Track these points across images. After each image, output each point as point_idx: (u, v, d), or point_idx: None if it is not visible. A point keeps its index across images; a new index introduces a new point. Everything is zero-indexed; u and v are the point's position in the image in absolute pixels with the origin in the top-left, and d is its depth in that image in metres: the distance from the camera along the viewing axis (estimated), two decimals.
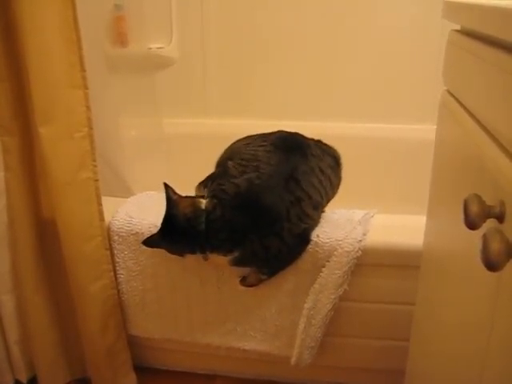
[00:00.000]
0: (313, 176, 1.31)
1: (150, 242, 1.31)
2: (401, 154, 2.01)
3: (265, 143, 1.40)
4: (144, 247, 1.36)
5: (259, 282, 1.34)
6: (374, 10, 2.03)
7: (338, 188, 1.43)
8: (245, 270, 1.33)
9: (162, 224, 1.28)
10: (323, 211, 1.38)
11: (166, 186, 1.28)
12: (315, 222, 1.33)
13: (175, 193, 1.28)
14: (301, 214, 1.26)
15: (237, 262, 1.25)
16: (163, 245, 1.30)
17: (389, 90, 2.08)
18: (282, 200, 1.23)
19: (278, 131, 1.47)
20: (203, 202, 1.25)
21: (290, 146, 1.37)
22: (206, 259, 1.27)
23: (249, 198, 1.23)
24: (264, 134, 1.48)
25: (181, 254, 1.30)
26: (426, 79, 1.93)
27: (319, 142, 1.46)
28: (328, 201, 1.38)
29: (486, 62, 0.66)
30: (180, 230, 1.25)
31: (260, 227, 1.22)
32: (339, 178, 1.44)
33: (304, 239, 1.30)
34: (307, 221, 1.28)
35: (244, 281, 1.35)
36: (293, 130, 1.46)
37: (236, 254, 1.23)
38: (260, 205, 1.22)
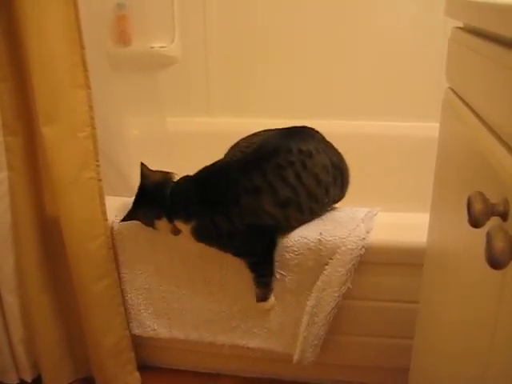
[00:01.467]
0: (289, 171, 1.27)
1: (126, 216, 1.38)
2: (404, 152, 2.01)
3: (274, 130, 1.41)
4: (149, 246, 1.36)
5: (264, 292, 1.35)
6: (377, 7, 2.03)
7: (337, 189, 1.40)
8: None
9: (135, 196, 1.37)
10: (317, 214, 1.36)
11: (142, 164, 1.39)
12: (280, 222, 1.30)
13: (150, 170, 1.39)
14: (255, 206, 1.26)
15: (194, 232, 1.30)
16: (137, 215, 1.37)
17: (392, 88, 2.08)
18: (236, 183, 1.28)
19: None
20: (176, 177, 1.36)
21: (288, 134, 1.37)
22: (175, 233, 1.35)
23: (207, 174, 1.33)
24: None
25: (152, 224, 1.35)
26: (429, 77, 1.94)
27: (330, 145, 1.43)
28: (317, 202, 1.34)
29: (489, 60, 0.65)
30: (149, 197, 1.35)
31: (210, 203, 1.29)
32: (336, 179, 1.38)
33: (263, 235, 1.30)
34: (263, 216, 1.27)
35: (257, 298, 1.36)
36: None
37: (193, 223, 1.28)
38: (212, 181, 1.32)
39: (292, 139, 1.33)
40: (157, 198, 1.33)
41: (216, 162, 1.35)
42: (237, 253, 1.33)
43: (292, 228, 1.33)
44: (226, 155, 1.41)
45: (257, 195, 1.26)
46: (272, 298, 1.36)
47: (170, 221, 1.32)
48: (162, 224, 1.33)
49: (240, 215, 1.27)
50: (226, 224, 1.27)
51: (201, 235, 1.31)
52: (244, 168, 1.29)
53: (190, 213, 1.30)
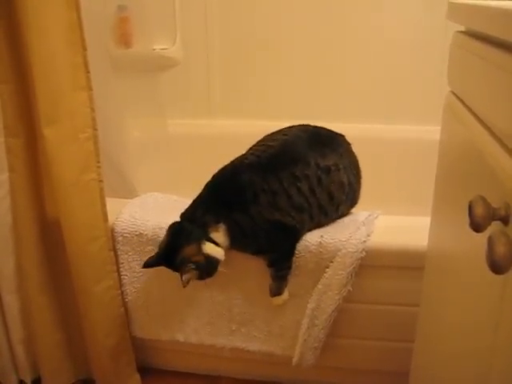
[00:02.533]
0: (304, 183, 1.29)
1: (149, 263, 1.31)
2: (405, 155, 2.00)
3: (301, 132, 1.40)
4: (149, 248, 1.36)
5: (279, 287, 1.34)
6: (378, 11, 2.03)
7: (348, 206, 1.42)
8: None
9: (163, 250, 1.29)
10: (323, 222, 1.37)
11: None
12: (298, 223, 1.31)
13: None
14: (273, 203, 1.27)
15: (230, 240, 1.28)
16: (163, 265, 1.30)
17: (393, 91, 2.08)
18: (252, 184, 1.28)
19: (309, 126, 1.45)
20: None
21: (312, 143, 1.36)
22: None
23: (219, 180, 1.33)
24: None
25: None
26: (431, 80, 1.93)
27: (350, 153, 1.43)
28: (326, 216, 1.36)
29: (491, 64, 0.65)
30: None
31: (227, 206, 1.28)
32: (348, 196, 1.40)
33: (287, 231, 1.30)
34: (283, 213, 1.28)
35: (270, 293, 1.35)
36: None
37: (223, 226, 1.27)
38: (226, 185, 1.31)
39: (314, 150, 1.33)
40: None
41: (225, 168, 1.34)
42: (259, 250, 1.32)
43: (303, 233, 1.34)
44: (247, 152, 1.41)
45: (274, 196, 1.27)
46: (286, 293, 1.35)
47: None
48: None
49: (261, 213, 1.27)
50: (248, 221, 1.27)
51: (232, 237, 1.29)
52: (261, 171, 1.29)
53: (218, 216, 1.28)
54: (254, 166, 1.31)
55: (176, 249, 1.25)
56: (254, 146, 1.40)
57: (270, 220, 1.28)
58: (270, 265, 1.33)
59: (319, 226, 1.37)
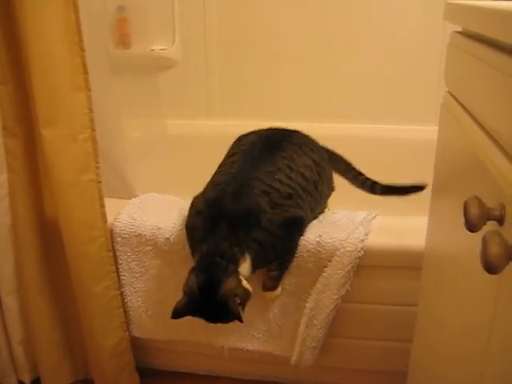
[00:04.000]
0: (280, 175, 1.31)
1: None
2: (402, 155, 2.01)
3: (243, 145, 1.43)
4: (148, 248, 1.35)
5: (275, 282, 1.34)
6: (376, 11, 2.03)
7: (325, 185, 1.44)
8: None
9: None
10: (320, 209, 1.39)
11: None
12: (295, 208, 1.30)
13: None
14: (271, 203, 1.26)
15: (253, 264, 1.22)
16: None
17: (391, 91, 2.08)
18: (249, 195, 1.25)
19: (267, 129, 1.48)
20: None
21: (266, 146, 1.39)
22: None
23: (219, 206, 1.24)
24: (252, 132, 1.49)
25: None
26: (428, 80, 1.94)
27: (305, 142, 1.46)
28: (312, 196, 1.36)
29: (487, 64, 0.66)
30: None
31: (240, 226, 1.21)
32: (321, 176, 1.42)
33: (293, 224, 1.30)
34: (282, 208, 1.28)
35: (264, 287, 1.35)
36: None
37: (248, 256, 1.21)
38: (231, 209, 1.23)
39: (274, 148, 1.37)
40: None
41: (217, 199, 1.26)
42: (277, 256, 1.29)
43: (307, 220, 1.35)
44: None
45: (267, 196, 1.27)
46: (280, 288, 1.36)
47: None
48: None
49: (271, 220, 1.24)
50: (266, 235, 1.23)
51: (256, 262, 1.23)
52: (241, 184, 1.27)
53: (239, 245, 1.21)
54: (236, 182, 1.28)
55: (215, 284, 1.16)
56: (219, 167, 1.40)
57: (279, 222, 1.25)
58: (278, 268, 1.32)
59: (313, 211, 1.38)
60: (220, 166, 1.40)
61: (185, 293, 1.20)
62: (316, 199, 1.38)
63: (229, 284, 1.16)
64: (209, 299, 1.16)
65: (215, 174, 1.37)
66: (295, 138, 1.44)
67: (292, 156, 1.36)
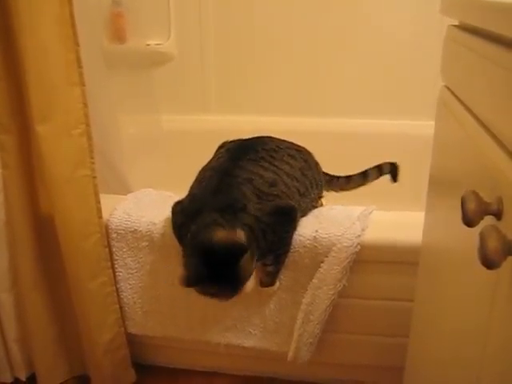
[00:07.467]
0: (263, 162, 1.33)
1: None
2: (399, 150, 1.99)
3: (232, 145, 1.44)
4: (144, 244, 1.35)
5: (272, 277, 1.34)
6: (374, 5, 2.03)
7: (313, 170, 1.44)
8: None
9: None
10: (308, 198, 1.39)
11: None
12: (281, 197, 1.30)
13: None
14: (256, 191, 1.26)
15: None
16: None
17: (388, 86, 2.08)
18: (232, 185, 1.26)
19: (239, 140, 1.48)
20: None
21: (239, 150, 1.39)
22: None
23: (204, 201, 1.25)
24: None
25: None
26: (425, 74, 1.93)
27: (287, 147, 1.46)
28: (299, 182, 1.37)
29: (485, 58, 0.65)
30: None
31: (226, 210, 1.21)
32: (307, 161, 1.44)
33: (283, 213, 1.29)
34: (269, 198, 1.27)
35: (261, 284, 1.35)
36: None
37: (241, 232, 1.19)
38: (216, 199, 1.24)
39: (251, 148, 1.38)
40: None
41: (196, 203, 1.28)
42: (271, 248, 1.28)
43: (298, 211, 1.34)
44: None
45: (251, 183, 1.27)
46: (277, 283, 1.36)
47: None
48: None
49: (260, 210, 1.24)
50: (255, 222, 1.22)
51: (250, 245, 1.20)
52: (226, 173, 1.29)
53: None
54: (218, 176, 1.29)
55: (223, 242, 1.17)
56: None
57: (268, 210, 1.25)
58: (274, 262, 1.32)
59: (303, 197, 1.37)
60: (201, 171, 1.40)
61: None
62: (305, 185, 1.38)
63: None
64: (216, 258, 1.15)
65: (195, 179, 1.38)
66: (276, 140, 1.45)
67: (274, 148, 1.39)
